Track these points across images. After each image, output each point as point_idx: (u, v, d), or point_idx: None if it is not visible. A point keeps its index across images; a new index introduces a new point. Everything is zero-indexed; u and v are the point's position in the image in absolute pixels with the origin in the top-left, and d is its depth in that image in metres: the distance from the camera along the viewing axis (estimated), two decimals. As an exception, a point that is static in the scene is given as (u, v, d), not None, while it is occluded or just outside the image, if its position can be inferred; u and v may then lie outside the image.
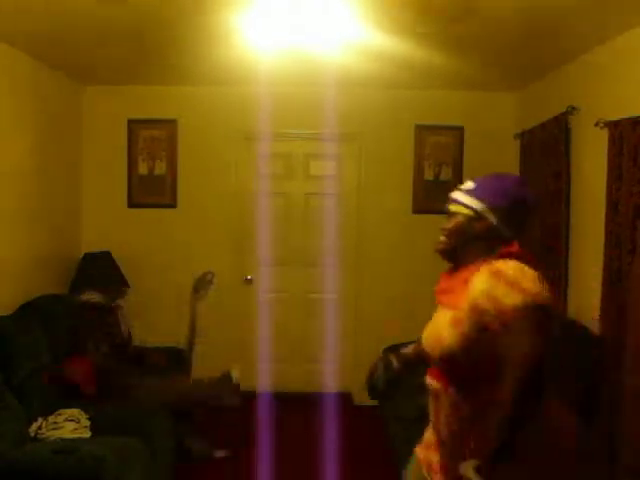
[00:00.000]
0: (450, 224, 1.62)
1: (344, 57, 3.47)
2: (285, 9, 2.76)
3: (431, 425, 1.71)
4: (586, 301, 3.26)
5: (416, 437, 1.86)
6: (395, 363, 1.83)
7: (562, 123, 3.57)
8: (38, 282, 3.81)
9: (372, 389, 1.87)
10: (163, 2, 2.75)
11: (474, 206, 1.57)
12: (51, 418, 2.97)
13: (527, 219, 1.61)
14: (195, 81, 4.42)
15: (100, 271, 4.24)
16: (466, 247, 1.59)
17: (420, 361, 1.75)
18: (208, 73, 4.15)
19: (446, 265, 1.71)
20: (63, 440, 2.80)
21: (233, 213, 4.69)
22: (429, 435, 1.74)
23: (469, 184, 1.64)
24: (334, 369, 4.74)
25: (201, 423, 3.78)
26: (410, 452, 1.87)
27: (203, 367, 4.31)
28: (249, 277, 4.74)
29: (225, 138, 4.64)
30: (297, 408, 4.40)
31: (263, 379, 4.61)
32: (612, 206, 2.94)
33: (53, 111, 4.12)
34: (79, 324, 3.61)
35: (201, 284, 4.60)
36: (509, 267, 1.43)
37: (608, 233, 2.97)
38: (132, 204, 4.69)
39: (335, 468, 3.37)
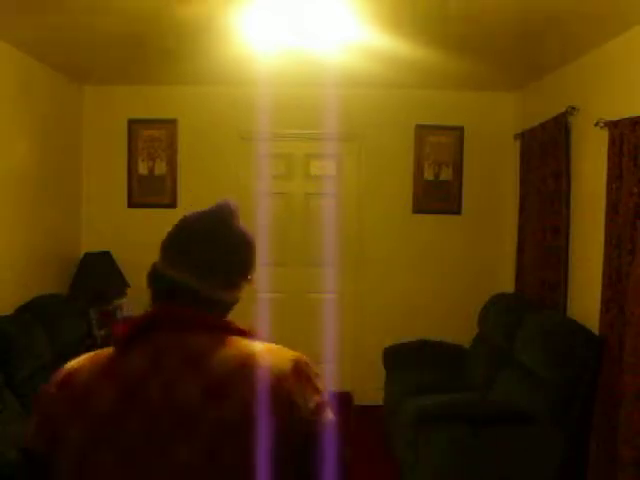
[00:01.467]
0: None
1: (344, 57, 3.47)
2: (285, 9, 2.76)
3: None
4: (586, 301, 3.27)
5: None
6: None
7: (562, 123, 3.57)
8: (38, 282, 3.81)
9: None
10: (164, 3, 2.75)
11: None
12: (51, 418, 2.97)
13: None
14: (195, 81, 4.42)
15: (100, 271, 4.24)
16: None
17: None
18: (208, 73, 4.15)
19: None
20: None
21: (233, 213, 4.69)
22: None
23: None
24: (334, 369, 4.74)
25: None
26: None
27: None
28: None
29: (225, 138, 4.64)
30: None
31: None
32: (612, 206, 2.93)
33: (53, 111, 4.11)
34: None
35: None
36: None
37: (608, 233, 2.97)
38: (132, 204, 4.69)
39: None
